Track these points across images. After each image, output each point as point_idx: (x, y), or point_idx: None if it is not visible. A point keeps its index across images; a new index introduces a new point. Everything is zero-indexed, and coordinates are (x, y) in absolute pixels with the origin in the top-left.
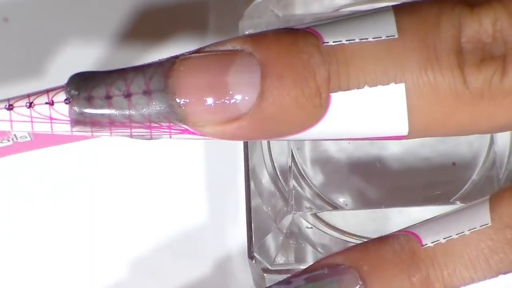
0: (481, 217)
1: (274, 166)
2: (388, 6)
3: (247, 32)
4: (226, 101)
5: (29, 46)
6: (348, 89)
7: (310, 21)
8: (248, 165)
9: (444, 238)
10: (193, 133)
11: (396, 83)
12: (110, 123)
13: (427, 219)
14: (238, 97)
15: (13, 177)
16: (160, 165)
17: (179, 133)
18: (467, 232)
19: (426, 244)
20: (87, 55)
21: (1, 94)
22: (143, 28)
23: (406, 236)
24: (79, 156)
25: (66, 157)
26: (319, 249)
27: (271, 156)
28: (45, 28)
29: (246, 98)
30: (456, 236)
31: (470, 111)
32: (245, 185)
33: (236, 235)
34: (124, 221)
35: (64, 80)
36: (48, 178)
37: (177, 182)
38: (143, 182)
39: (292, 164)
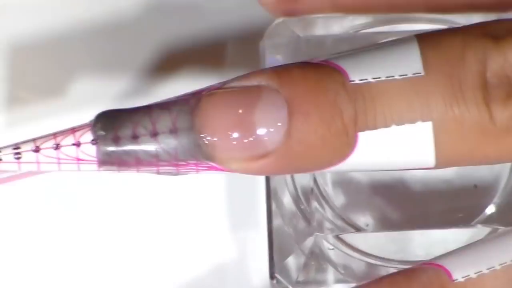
0: (511, 251)
1: (296, 187)
2: (412, 37)
3: (267, 52)
4: (253, 138)
5: (54, 75)
6: (375, 128)
7: (331, 43)
8: (269, 186)
9: (475, 273)
10: (220, 170)
11: (423, 121)
12: (137, 163)
13: (454, 250)
14: (265, 134)
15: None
16: (179, 186)
17: (206, 169)
18: (497, 267)
19: (457, 279)
20: (110, 88)
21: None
22: (163, 60)
23: (435, 270)
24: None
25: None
26: (340, 270)
27: (293, 177)
28: (69, 61)
29: (273, 136)
30: (487, 271)
31: (496, 145)
32: (267, 206)
33: (257, 255)
34: (140, 245)
35: (86, 111)
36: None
37: (198, 202)
38: (160, 201)
39: (314, 185)
